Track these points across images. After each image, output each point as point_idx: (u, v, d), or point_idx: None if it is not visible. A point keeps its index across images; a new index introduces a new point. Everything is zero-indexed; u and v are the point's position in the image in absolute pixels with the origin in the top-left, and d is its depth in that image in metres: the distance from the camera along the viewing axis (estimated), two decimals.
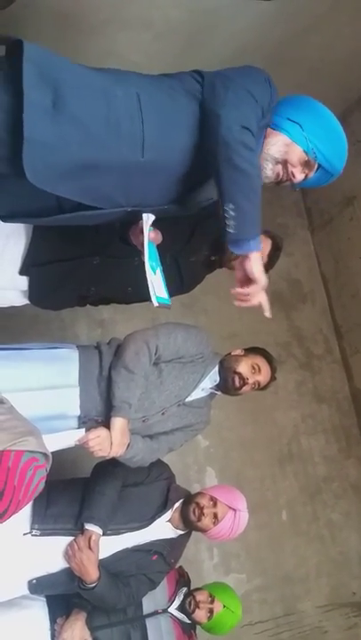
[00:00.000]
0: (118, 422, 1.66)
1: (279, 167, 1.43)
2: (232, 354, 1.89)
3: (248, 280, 1.37)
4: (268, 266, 1.95)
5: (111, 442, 1.64)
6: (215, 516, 1.85)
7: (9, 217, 1.44)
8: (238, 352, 1.89)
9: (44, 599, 1.91)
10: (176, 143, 1.36)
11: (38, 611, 1.87)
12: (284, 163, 1.43)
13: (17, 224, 1.69)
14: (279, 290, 3.37)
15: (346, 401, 3.38)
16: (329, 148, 1.44)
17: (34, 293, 1.83)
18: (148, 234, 1.45)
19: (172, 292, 2.11)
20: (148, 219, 1.43)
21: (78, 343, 1.93)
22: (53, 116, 1.22)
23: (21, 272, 1.76)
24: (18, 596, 1.85)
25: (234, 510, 1.87)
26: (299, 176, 1.44)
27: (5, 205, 1.40)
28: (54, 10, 2.02)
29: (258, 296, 1.37)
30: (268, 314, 1.39)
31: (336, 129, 1.47)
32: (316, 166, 1.45)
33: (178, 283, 2.01)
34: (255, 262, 1.35)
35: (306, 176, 1.46)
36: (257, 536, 2.93)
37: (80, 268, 1.80)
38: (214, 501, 1.86)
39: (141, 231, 1.43)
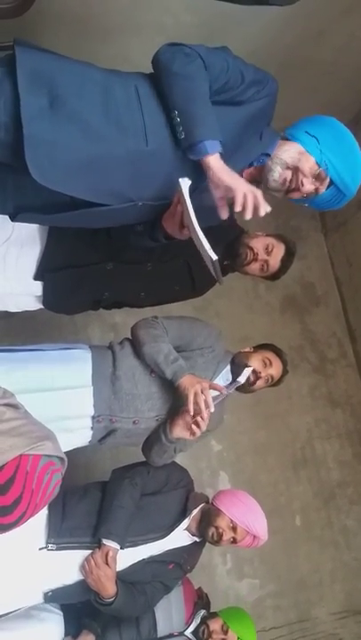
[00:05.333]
0: (186, 380, 1.65)
1: (288, 173, 1.40)
2: (241, 351, 1.89)
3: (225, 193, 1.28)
4: (282, 271, 1.94)
5: None
6: (234, 540, 1.83)
7: (20, 211, 1.41)
8: (248, 349, 1.89)
9: (62, 614, 1.89)
10: None
11: (55, 626, 1.86)
12: (295, 170, 1.40)
13: (31, 230, 1.71)
14: (292, 293, 3.35)
15: (360, 405, 3.35)
16: (343, 165, 1.41)
17: (48, 298, 1.84)
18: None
19: (184, 296, 2.13)
20: (184, 183, 1.32)
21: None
22: (51, 115, 1.23)
23: (36, 277, 1.77)
24: (36, 608, 1.85)
25: (253, 536, 1.85)
26: (308, 186, 1.40)
27: (17, 200, 1.39)
28: (67, 16, 2.04)
29: (245, 195, 1.26)
30: (265, 209, 1.28)
31: (354, 150, 1.43)
32: (327, 181, 1.41)
33: (190, 286, 2.01)
34: (216, 168, 1.28)
35: (317, 190, 1.42)
36: (270, 541, 2.86)
37: (94, 273, 1.81)
38: (234, 526, 1.82)
39: (179, 202, 1.35)
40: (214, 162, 1.29)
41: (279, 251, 1.90)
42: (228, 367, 1.86)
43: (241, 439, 3.01)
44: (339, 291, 3.47)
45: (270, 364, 1.82)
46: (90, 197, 1.33)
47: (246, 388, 1.83)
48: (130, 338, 1.85)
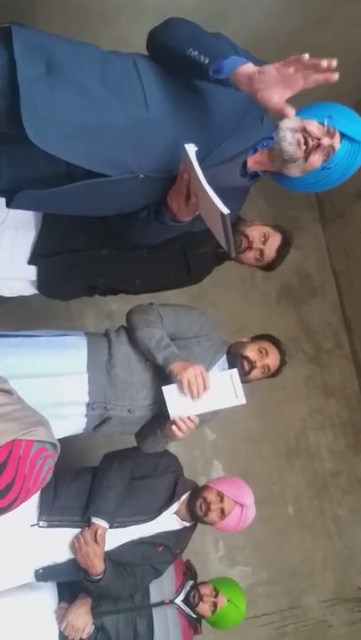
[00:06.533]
0: (177, 366, 1.63)
1: (299, 135, 1.37)
2: (238, 341, 1.88)
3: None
4: (278, 261, 1.93)
5: None
6: (222, 511, 1.85)
7: (14, 186, 1.35)
8: (245, 339, 1.89)
9: (55, 582, 1.93)
10: (181, 101, 1.31)
11: (48, 592, 1.90)
12: (304, 130, 1.37)
13: (27, 214, 1.69)
14: (289, 283, 3.35)
15: (355, 396, 3.36)
16: (342, 114, 1.40)
17: (42, 283, 1.83)
18: None
19: (179, 283, 2.12)
20: (190, 148, 1.26)
21: None
22: (48, 80, 1.21)
23: (30, 262, 1.76)
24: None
25: (241, 505, 1.87)
26: (326, 139, 1.37)
27: (11, 172, 1.34)
28: None
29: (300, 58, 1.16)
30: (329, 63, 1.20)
31: (348, 109, 1.43)
32: (338, 135, 1.39)
33: (185, 274, 2.01)
34: (258, 68, 1.18)
35: (333, 147, 1.39)
36: (263, 529, 2.94)
37: (88, 259, 1.80)
38: (221, 496, 1.86)
39: (185, 170, 1.30)
40: (247, 67, 1.20)
41: (275, 240, 1.88)
42: (225, 357, 1.85)
43: (235, 428, 3.02)
44: (336, 281, 3.47)
45: (266, 353, 1.81)
46: (87, 164, 1.28)
47: (241, 377, 1.82)
48: (126, 326, 1.85)
